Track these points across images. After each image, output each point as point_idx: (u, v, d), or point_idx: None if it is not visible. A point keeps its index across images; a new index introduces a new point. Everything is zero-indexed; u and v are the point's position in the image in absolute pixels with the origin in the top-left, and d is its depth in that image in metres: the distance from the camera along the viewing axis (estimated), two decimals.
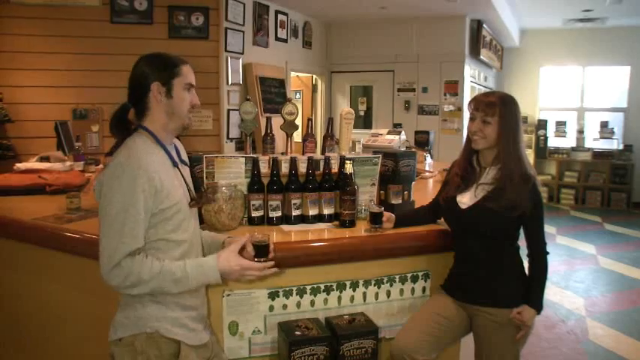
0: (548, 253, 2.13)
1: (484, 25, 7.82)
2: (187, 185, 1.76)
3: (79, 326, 2.29)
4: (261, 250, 1.77)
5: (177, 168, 1.75)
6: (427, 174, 4.17)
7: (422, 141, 5.33)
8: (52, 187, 3.10)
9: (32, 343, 2.49)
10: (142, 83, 1.66)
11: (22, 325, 2.52)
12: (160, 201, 1.60)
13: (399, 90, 8.00)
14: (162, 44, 5.20)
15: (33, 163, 3.75)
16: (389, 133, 4.72)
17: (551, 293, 4.89)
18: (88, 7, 5.13)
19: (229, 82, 5.81)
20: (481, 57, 8.02)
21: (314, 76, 8.36)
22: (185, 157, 1.88)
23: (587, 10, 7.91)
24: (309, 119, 2.72)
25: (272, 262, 1.77)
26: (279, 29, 6.83)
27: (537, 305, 2.08)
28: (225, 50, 5.72)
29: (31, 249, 2.36)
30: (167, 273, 1.59)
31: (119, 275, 1.54)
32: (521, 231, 2.15)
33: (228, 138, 5.86)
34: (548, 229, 7.31)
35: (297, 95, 8.91)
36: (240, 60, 5.98)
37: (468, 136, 2.19)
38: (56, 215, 2.50)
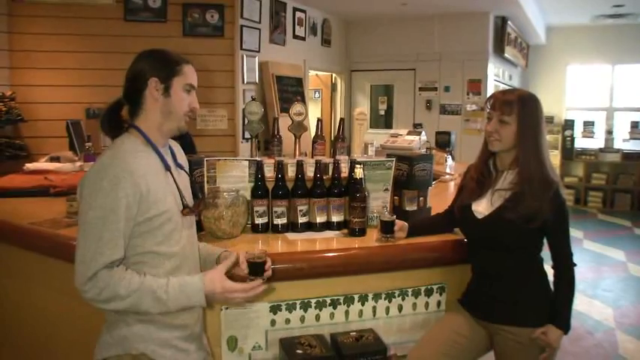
0: (575, 265, 1.94)
1: (509, 22, 7.58)
2: (180, 192, 1.61)
3: (74, 335, 2.17)
4: (255, 268, 1.61)
5: (170, 172, 1.61)
6: (447, 176, 3.99)
7: (443, 142, 5.17)
8: (57, 189, 3.00)
9: (26, 351, 2.40)
10: (138, 78, 1.56)
11: (15, 333, 2.44)
12: (145, 209, 1.47)
13: (421, 89, 7.80)
14: (176, 42, 5.10)
15: (42, 164, 3.69)
16: (409, 133, 4.55)
17: (578, 302, 4.65)
18: (102, 5, 5.05)
19: (245, 81, 5.69)
20: (505, 55, 7.78)
21: (333, 75, 8.21)
22: (183, 160, 1.76)
23: (618, 6, 7.61)
24: (319, 120, 2.58)
25: (260, 281, 1.59)
26: (296, 27, 6.69)
27: (564, 325, 1.90)
28: (241, 48, 5.59)
29: (25, 254, 2.25)
30: (147, 290, 1.45)
31: (94, 288, 1.42)
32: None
33: (244, 138, 5.73)
34: (575, 233, 7.03)
35: (317, 94, 8.77)
36: (257, 58, 5.86)
37: (485, 137, 2.02)
38: (54, 219, 2.39)
